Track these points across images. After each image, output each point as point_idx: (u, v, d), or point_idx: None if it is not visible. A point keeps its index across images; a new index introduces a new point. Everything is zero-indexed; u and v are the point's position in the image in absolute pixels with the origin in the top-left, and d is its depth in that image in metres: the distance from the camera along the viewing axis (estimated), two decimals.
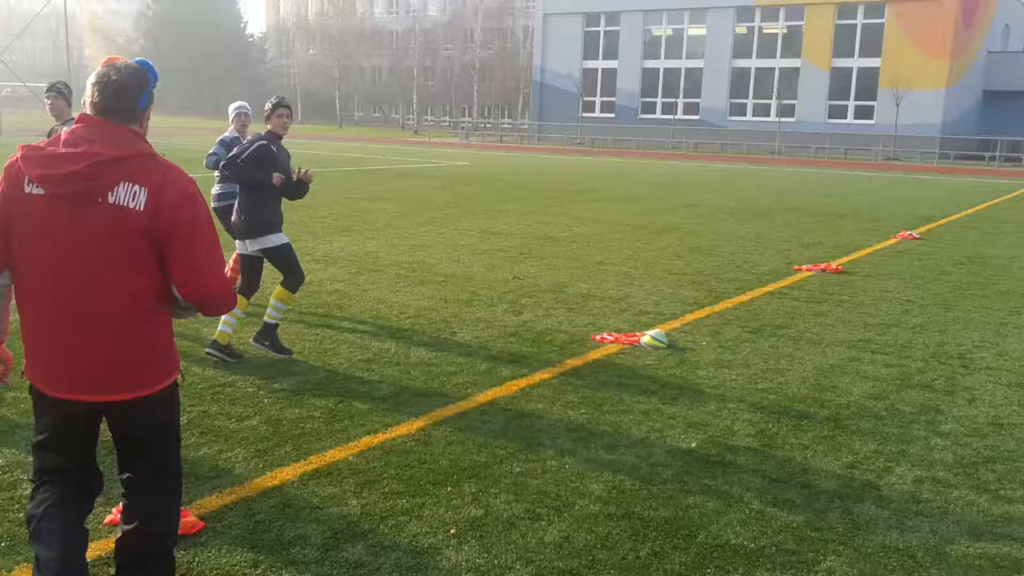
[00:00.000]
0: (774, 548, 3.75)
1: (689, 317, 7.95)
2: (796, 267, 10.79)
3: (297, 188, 6.46)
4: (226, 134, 8.20)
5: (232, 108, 8.29)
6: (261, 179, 6.18)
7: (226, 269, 3.77)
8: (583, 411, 5.34)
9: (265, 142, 6.23)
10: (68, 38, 44.96)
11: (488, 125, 74.09)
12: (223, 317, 6.16)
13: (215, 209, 7.71)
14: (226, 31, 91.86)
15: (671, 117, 53.02)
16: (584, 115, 56.46)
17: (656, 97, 54.88)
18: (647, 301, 8.60)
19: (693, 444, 4.87)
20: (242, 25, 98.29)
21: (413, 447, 4.69)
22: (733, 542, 3.79)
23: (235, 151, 6.33)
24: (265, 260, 6.52)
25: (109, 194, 2.61)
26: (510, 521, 3.89)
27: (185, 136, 42.99)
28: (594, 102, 57.08)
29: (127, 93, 2.70)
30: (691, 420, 5.25)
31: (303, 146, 36.28)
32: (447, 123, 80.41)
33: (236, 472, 4.31)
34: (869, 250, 12.52)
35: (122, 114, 2.70)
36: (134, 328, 2.75)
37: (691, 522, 3.96)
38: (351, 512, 3.92)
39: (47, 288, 2.68)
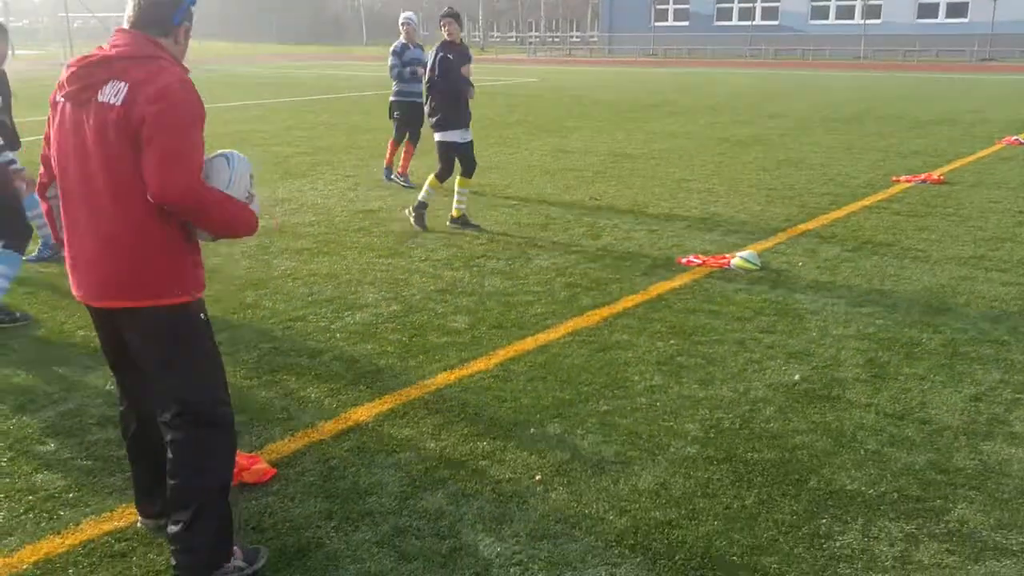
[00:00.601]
0: (896, 494, 3.37)
1: (781, 236, 7.44)
2: (894, 178, 10.06)
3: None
4: (396, 43, 10.11)
5: (400, 19, 10.25)
6: (447, 84, 7.48)
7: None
8: (672, 342, 4.97)
9: (441, 53, 7.54)
10: None
11: (556, 39, 72.20)
12: (456, 192, 7.75)
13: (394, 103, 10.11)
14: None
15: (748, 23, 50.55)
16: (656, 24, 54.35)
17: (732, 2, 52.38)
18: (735, 220, 8.09)
19: (796, 376, 4.47)
20: None
21: (492, 384, 4.41)
22: (849, 488, 3.42)
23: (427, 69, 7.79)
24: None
25: (99, 93, 2.58)
26: (599, 465, 3.60)
27: (261, 64, 43.04)
28: (666, 10, 54.85)
29: (160, 6, 2.68)
30: (792, 349, 4.83)
31: (367, 68, 35.84)
32: (514, 39, 78.66)
33: (309, 413, 4.10)
34: (972, 158, 11.63)
35: (152, 27, 2.68)
36: (122, 235, 2.64)
37: (800, 465, 3.60)
38: (429, 456, 3.67)
39: (67, 193, 2.71)
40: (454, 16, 7.56)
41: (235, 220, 2.73)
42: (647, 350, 4.85)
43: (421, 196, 7.78)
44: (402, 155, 10.20)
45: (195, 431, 2.77)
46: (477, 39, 77.50)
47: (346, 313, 5.52)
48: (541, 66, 42.66)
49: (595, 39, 62.49)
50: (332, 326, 5.29)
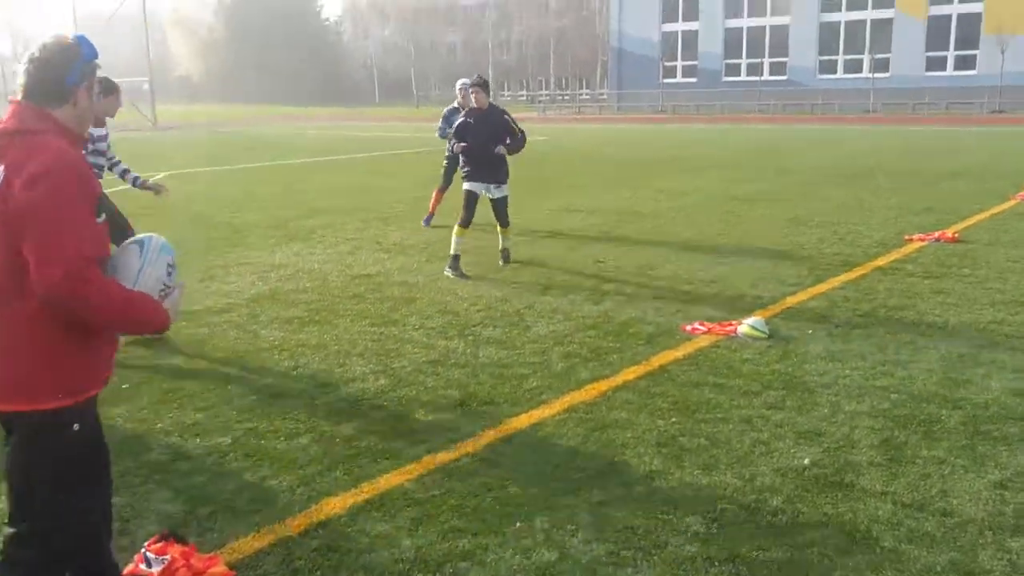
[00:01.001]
0: None
1: (791, 300, 7.14)
2: (907, 237, 9.78)
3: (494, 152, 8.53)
4: (448, 107, 11.08)
5: (457, 84, 10.55)
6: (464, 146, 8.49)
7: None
8: (674, 420, 4.67)
9: (463, 119, 8.65)
10: (148, 33, 45.78)
11: (566, 97, 72.92)
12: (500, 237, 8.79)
13: (449, 159, 10.76)
14: (303, 16, 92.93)
15: (757, 79, 50.91)
16: (665, 81, 54.83)
17: (740, 58, 52.86)
18: (743, 282, 7.81)
19: (806, 460, 4.14)
20: (318, 8, 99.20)
21: (478, 468, 4.12)
22: None
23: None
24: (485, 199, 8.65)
25: None
26: (590, 567, 3.28)
27: (269, 125, 43.53)
28: (675, 67, 55.39)
29: (50, 69, 2.43)
30: (801, 428, 4.52)
31: (378, 128, 36.14)
32: (524, 97, 79.57)
33: (278, 505, 3.80)
34: (986, 214, 11.36)
35: (44, 94, 2.44)
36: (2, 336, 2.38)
37: (809, 565, 3.27)
38: (403, 557, 3.36)
39: None
40: (479, 85, 8.41)
41: (133, 319, 2.43)
42: (647, 429, 4.55)
43: (452, 250, 8.31)
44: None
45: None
46: None
47: (331, 389, 5.25)
48: (551, 124, 42.93)
49: (604, 96, 63.05)
50: (315, 402, 5.02)
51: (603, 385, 5.21)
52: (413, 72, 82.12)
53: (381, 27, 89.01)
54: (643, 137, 29.98)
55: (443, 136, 10.85)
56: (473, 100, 8.51)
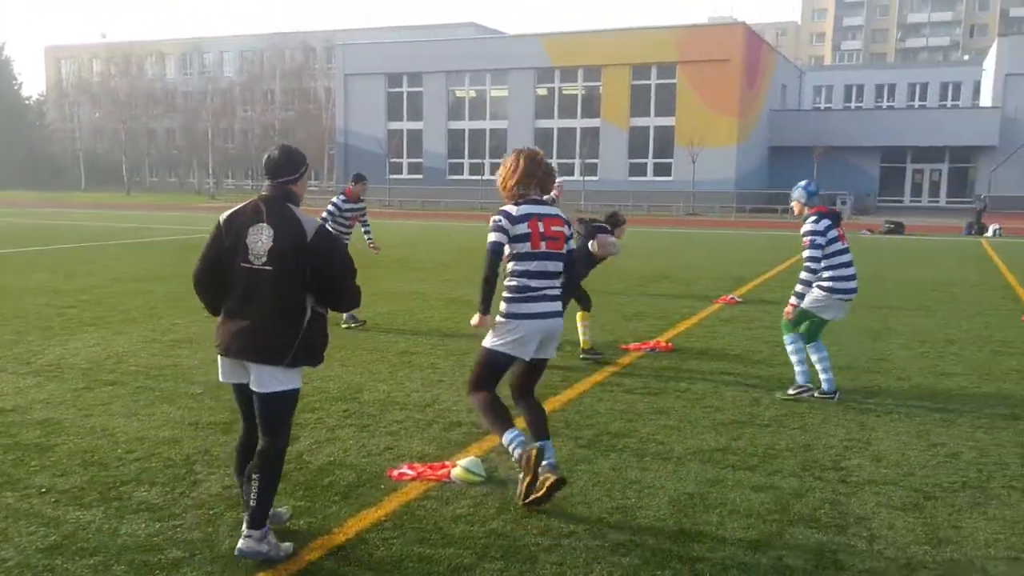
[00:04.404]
0: None
1: None
2: (622, 346, 9.59)
3: None
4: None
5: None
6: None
7: None
8: None
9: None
10: None
11: None
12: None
13: None
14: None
15: (479, 178, 52.63)
16: (392, 177, 55.13)
17: (463, 158, 54.47)
18: (459, 407, 7.01)
19: None
20: (16, 86, 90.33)
21: None
22: None
23: None
24: None
25: None
26: None
27: None
28: (401, 163, 55.94)
29: None
30: None
31: (73, 216, 32.52)
32: (249, 186, 76.84)
33: None
34: (695, 319, 11.62)
35: None
36: None
37: None
38: None
39: None
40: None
41: None
42: None
43: (584, 337, 8.97)
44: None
45: None
46: (208, 187, 74.72)
47: None
48: None
49: (332, 189, 62.14)
50: None
51: (280, 572, 4.06)
52: (125, 159, 76.52)
53: (91, 110, 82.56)
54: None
55: None
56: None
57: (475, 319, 4.98)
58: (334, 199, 11.53)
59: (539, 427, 4.98)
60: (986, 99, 55.41)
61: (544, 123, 52.49)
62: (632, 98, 50.03)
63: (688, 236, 29.78)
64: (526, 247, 4.86)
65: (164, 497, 4.95)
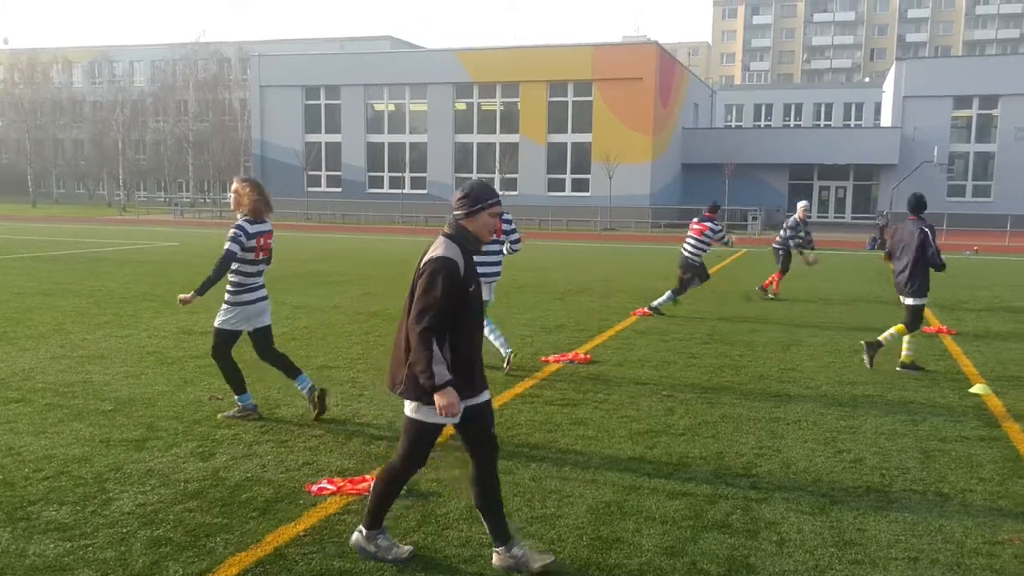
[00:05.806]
0: None
1: None
2: (543, 358, 9.72)
3: None
4: (792, 218, 16.45)
5: (801, 204, 16.46)
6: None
7: None
8: None
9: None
10: None
11: (207, 200, 69.63)
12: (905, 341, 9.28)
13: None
14: None
15: (399, 191, 52.41)
16: (310, 190, 54.40)
17: (383, 171, 54.16)
18: (379, 421, 7.00)
19: None
20: None
21: None
22: None
23: None
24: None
25: None
26: None
27: None
28: (319, 176, 55.27)
29: None
30: None
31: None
32: (163, 199, 74.86)
33: None
34: (612, 332, 11.83)
35: None
36: None
37: None
38: None
39: None
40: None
41: None
42: None
43: (887, 339, 9.63)
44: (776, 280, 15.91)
45: None
46: (119, 198, 72.44)
47: None
48: (187, 228, 40.23)
49: None
50: None
51: None
52: (30, 170, 73.54)
53: None
54: (284, 245, 28.76)
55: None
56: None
57: None
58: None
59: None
60: (886, 119, 57.95)
61: (464, 138, 52.62)
62: (549, 114, 50.59)
63: (605, 250, 30.26)
64: None
65: (75, 516, 4.81)
